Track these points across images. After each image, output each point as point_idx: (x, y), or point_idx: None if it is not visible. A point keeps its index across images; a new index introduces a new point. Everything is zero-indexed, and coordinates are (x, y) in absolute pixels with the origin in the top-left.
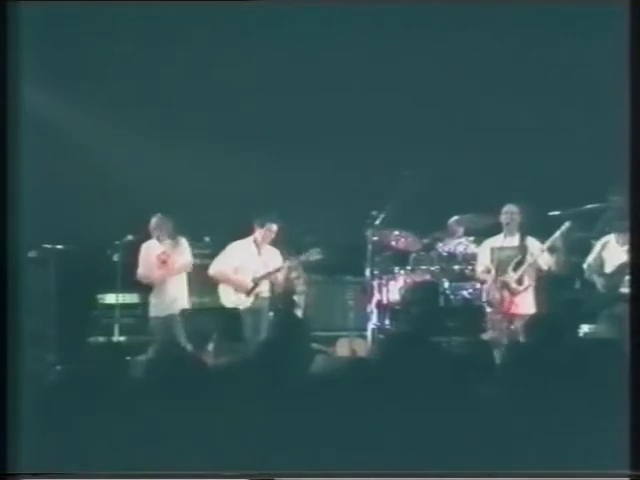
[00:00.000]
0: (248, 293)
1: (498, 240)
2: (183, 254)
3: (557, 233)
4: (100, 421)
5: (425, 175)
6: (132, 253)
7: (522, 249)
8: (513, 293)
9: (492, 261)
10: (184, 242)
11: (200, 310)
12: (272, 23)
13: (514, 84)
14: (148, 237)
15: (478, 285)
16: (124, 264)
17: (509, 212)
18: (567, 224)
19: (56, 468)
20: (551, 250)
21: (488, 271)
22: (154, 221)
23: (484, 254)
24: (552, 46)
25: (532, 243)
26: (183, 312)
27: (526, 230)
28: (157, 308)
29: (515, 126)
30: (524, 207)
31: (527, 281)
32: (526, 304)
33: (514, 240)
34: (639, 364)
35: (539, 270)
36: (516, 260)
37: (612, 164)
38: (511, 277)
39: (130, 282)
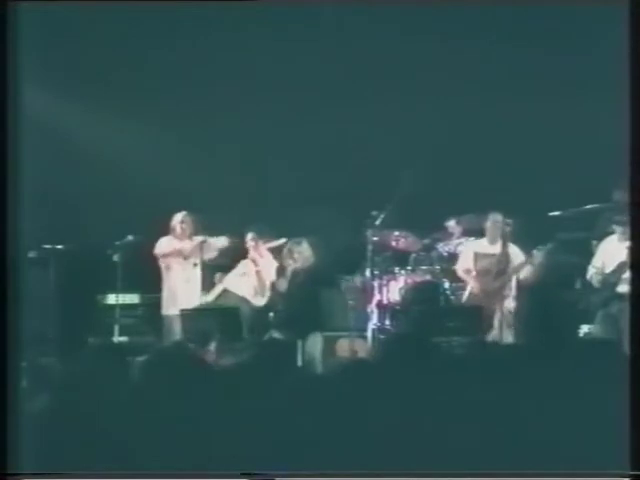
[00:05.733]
0: None
1: (482, 244)
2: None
3: (544, 248)
4: (100, 421)
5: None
6: (133, 252)
7: (505, 255)
8: (502, 295)
9: (475, 264)
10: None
11: (201, 310)
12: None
13: (514, 84)
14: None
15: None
16: (124, 264)
17: (494, 219)
18: (550, 245)
19: (56, 468)
20: (534, 261)
21: (469, 272)
22: (178, 218)
23: (467, 256)
24: (552, 46)
25: (515, 250)
26: (187, 312)
27: (513, 236)
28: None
29: (515, 127)
30: (511, 214)
31: (514, 284)
32: (520, 305)
33: (497, 247)
34: (639, 364)
35: (527, 273)
36: (500, 265)
37: (612, 164)
38: (500, 280)
39: (130, 282)
